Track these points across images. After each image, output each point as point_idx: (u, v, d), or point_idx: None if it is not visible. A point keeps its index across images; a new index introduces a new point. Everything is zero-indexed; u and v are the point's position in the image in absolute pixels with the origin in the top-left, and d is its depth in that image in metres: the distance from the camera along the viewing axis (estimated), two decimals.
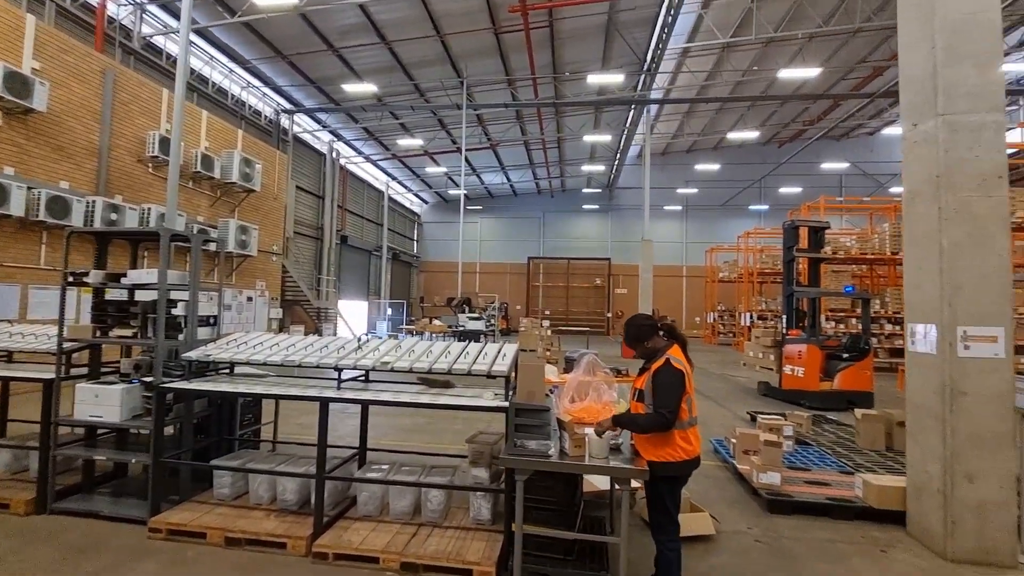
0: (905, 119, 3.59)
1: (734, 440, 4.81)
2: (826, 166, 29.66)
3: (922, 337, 3.39)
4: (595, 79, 16.46)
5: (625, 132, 25.02)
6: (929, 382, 3.32)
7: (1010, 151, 15.48)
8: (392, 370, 3.48)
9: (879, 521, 3.69)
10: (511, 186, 33.43)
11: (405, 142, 22.71)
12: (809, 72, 17.05)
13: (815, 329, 9.14)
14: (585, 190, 33.71)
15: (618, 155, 28.16)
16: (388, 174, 29.20)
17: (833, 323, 15.14)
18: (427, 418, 6.96)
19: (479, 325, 16.92)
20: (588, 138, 22.31)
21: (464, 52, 16.69)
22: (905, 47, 3.63)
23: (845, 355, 8.35)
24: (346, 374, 3.71)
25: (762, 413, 6.64)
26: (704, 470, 4.99)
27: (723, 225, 31.79)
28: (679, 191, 32.15)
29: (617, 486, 2.56)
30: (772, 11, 16.97)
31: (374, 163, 27.15)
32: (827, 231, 9.85)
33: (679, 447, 2.45)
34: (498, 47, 16.44)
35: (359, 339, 4.02)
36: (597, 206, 33.97)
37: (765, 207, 31.21)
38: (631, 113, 22.71)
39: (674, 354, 2.51)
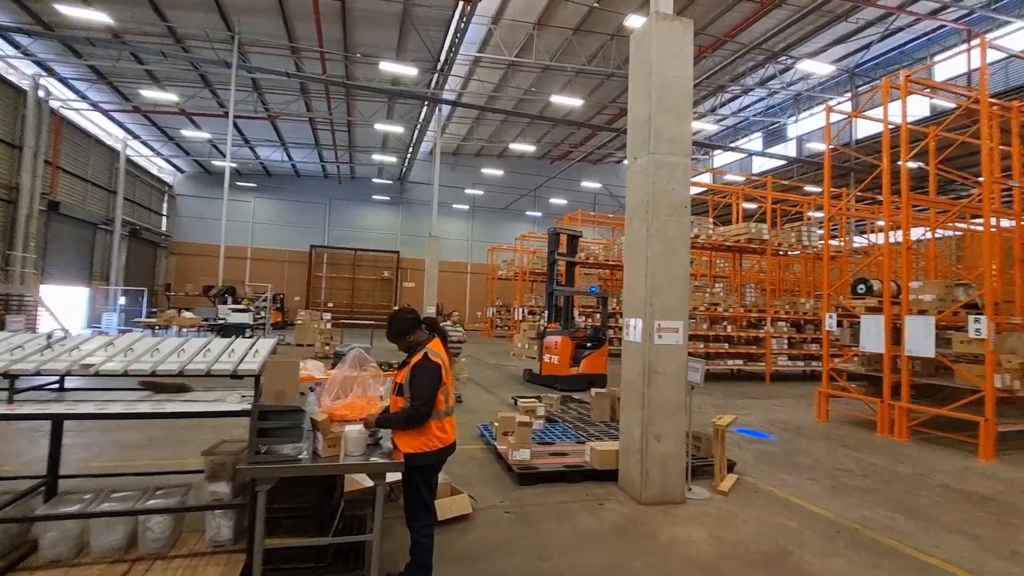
0: (629, 153, 4.44)
1: (496, 423, 5.28)
2: (584, 184, 34.76)
3: (633, 329, 4.25)
4: (389, 67, 16.10)
5: (418, 127, 25.12)
6: (636, 364, 4.18)
7: (699, 189, 20.42)
8: (98, 374, 2.79)
9: (601, 480, 4.49)
10: (293, 166, 30.46)
11: (153, 95, 18.61)
12: (574, 101, 19.66)
13: (569, 322, 10.66)
14: (376, 180, 32.79)
15: (411, 148, 28.13)
16: (128, 131, 23.53)
17: (584, 317, 17.89)
18: (164, 430, 5.82)
19: (244, 318, 14.95)
20: (380, 127, 21.74)
21: (238, 3, 14.49)
22: (632, 97, 4.49)
23: (588, 344, 9.96)
24: (31, 381, 2.84)
25: (523, 397, 7.44)
26: (470, 453, 5.34)
27: (505, 227, 34.62)
28: (467, 191, 33.76)
29: (372, 482, 2.54)
30: (549, 41, 19.11)
31: (107, 114, 21.57)
32: (581, 239, 11.56)
33: (435, 436, 2.56)
34: (281, 9, 14.75)
35: (49, 336, 3.12)
36: (388, 197, 33.37)
37: (539, 214, 34.94)
38: (424, 109, 22.91)
39: (433, 347, 2.61)
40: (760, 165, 28.99)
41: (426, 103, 21.45)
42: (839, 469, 5.32)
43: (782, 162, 25.54)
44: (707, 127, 26.58)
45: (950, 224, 11.63)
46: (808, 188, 23.47)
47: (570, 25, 18.24)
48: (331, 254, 32.17)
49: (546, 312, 10.79)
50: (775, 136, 32.32)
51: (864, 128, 23.86)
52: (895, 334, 7.05)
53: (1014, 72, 19.04)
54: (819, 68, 17.87)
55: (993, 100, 8.39)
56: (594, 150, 35.24)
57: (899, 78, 7.08)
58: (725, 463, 4.67)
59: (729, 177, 27.97)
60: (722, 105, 29.02)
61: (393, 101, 22.60)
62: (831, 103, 8.24)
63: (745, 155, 32.24)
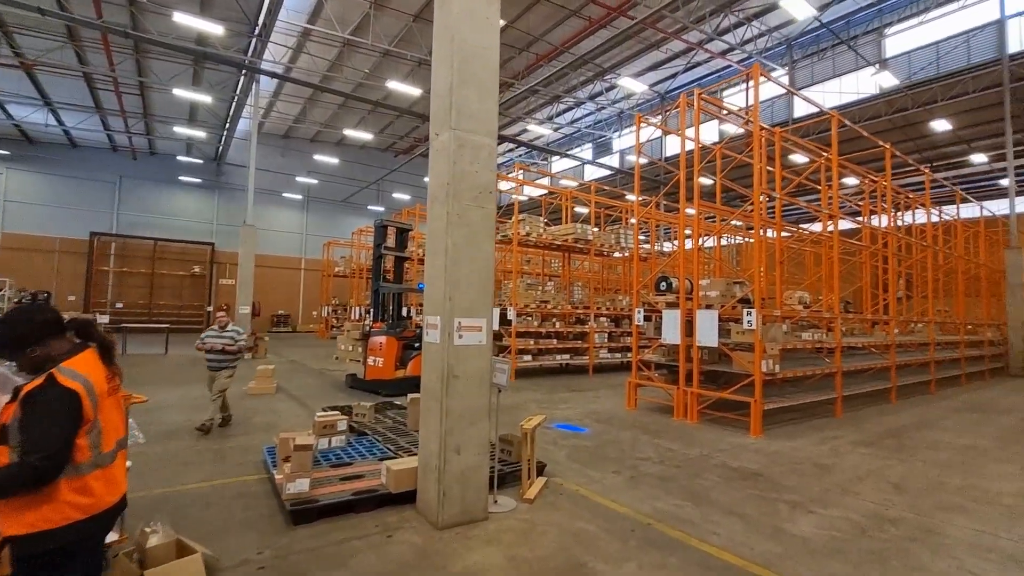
0: (432, 128, 3.93)
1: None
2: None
3: (433, 328, 3.74)
4: (185, 21, 13.48)
5: (236, 100, 21.94)
6: (435, 369, 3.68)
7: (540, 191, 21.04)
8: None
9: (399, 504, 3.91)
10: (67, 132, 24.40)
11: None
12: (413, 90, 18.88)
13: (399, 322, 9.93)
14: (183, 158, 27.98)
15: (227, 124, 24.53)
16: None
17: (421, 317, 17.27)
18: None
19: None
20: (181, 93, 18.35)
21: None
22: (435, 65, 3.99)
23: (417, 344, 9.35)
24: None
25: (334, 407, 6.53)
26: (243, 487, 4.33)
27: (343, 221, 32.27)
28: (300, 179, 30.72)
29: None
30: (389, 25, 18.02)
31: None
32: (411, 233, 10.88)
33: (68, 504, 1.65)
34: None
35: None
36: (200, 180, 28.71)
37: (382, 208, 33.31)
38: (241, 79, 20.03)
39: (73, 365, 1.71)
40: (591, 173, 31.47)
41: (243, 72, 18.72)
42: (640, 458, 5.51)
43: (609, 172, 27.91)
44: (544, 131, 27.88)
45: (733, 231, 13.66)
46: (629, 196, 26.02)
47: (410, 11, 17.42)
48: (122, 244, 26.54)
49: (372, 311, 9.90)
50: (603, 148, 35.32)
51: (672, 146, 27.22)
52: (689, 326, 7.76)
53: (784, 107, 23.29)
54: (635, 86, 19.67)
55: (764, 126, 9.82)
56: None
57: (693, 95, 7.82)
58: (534, 467, 4.44)
59: (564, 182, 29.72)
60: (558, 114, 30.80)
61: (200, 65, 19.28)
62: (641, 114, 8.88)
63: (578, 163, 34.66)
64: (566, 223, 14.38)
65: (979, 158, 21.69)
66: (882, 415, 8.62)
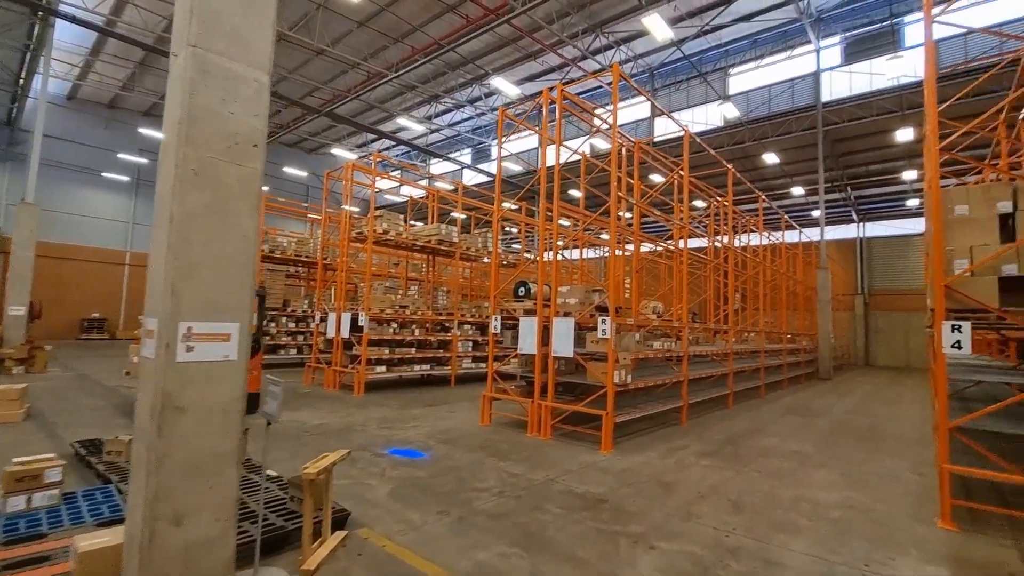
0: (172, 49, 2.74)
1: None
2: (292, 171, 31.08)
3: (151, 336, 2.53)
4: None
5: (30, 52, 17.66)
6: (146, 397, 2.48)
7: (421, 192, 19.79)
8: None
9: None
10: None
11: None
12: None
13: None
14: None
15: (21, 81, 19.74)
16: None
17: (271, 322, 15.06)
18: None
19: None
20: None
21: None
22: None
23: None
24: None
25: (85, 442, 4.83)
26: None
27: None
28: (127, 157, 25.92)
29: None
30: None
31: None
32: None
33: None
34: None
35: None
36: None
37: None
38: (37, 26, 16.10)
39: None
40: (471, 178, 30.94)
41: (37, 14, 14.96)
42: (478, 489, 4.72)
43: (487, 178, 27.59)
44: (416, 127, 26.74)
45: (601, 243, 13.87)
46: (507, 205, 25.89)
47: None
48: None
49: None
50: (482, 154, 35.13)
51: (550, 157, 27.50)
52: (547, 335, 7.26)
53: (646, 130, 24.79)
54: (507, 87, 19.50)
55: (623, 133, 9.85)
56: (308, 137, 31.89)
57: (556, 91, 7.41)
58: (327, 522, 3.38)
59: (439, 184, 28.81)
60: (437, 115, 29.91)
61: None
62: (511, 113, 8.35)
63: (457, 167, 34.04)
64: (431, 223, 13.45)
65: (799, 190, 25.11)
66: (722, 420, 8.94)
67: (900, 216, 27.54)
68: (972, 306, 4.27)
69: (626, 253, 13.34)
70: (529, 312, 7.67)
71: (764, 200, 15.95)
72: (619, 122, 24.95)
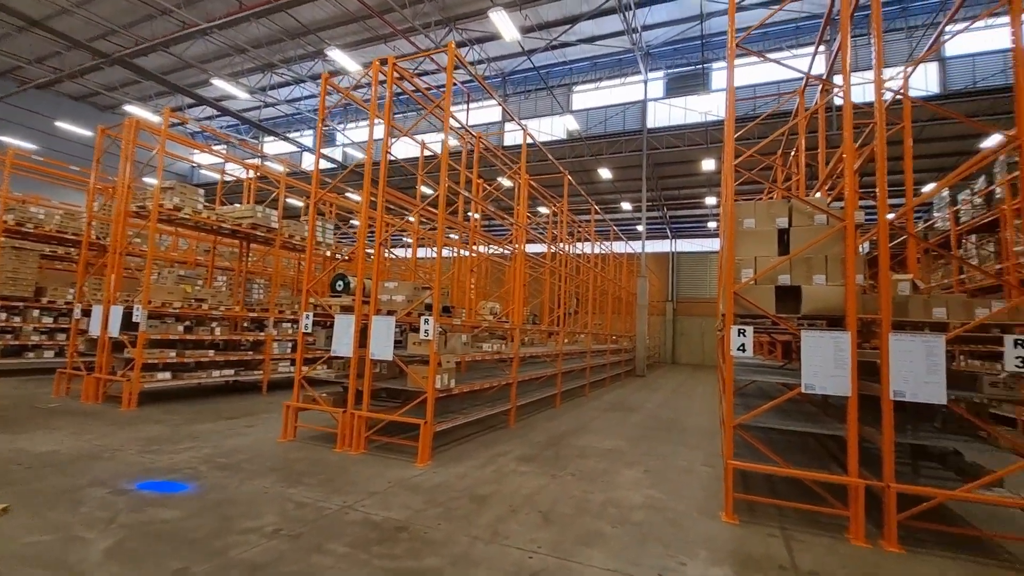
0: None
1: None
2: (70, 128, 25.09)
3: None
4: None
5: None
6: None
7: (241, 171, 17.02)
8: None
9: None
10: None
11: None
12: None
13: None
14: None
15: None
16: None
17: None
18: None
19: None
20: None
21: None
22: None
23: None
24: None
25: None
26: None
27: None
28: None
29: None
30: None
31: None
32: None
33: None
34: None
35: None
36: None
37: None
38: None
39: None
40: (312, 164, 28.09)
41: None
42: (245, 530, 3.77)
43: (331, 165, 25.31)
44: (240, 94, 23.47)
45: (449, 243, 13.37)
46: (351, 195, 24.05)
47: None
48: None
49: None
50: (326, 138, 32.40)
51: (403, 149, 26.38)
52: (365, 335, 6.45)
53: (496, 139, 24.95)
54: (346, 61, 18.07)
55: (457, 119, 9.48)
56: (102, 91, 26.09)
57: (388, 64, 6.66)
58: None
59: (272, 165, 25.71)
60: (272, 87, 26.67)
61: None
62: (332, 79, 7.30)
63: (296, 150, 30.83)
64: (246, 204, 11.55)
65: (627, 206, 27.73)
66: (548, 421, 9.04)
67: (703, 236, 32.20)
68: (755, 312, 4.64)
69: (472, 254, 13.06)
70: (347, 309, 6.77)
71: (597, 211, 17.04)
72: (471, 123, 24.89)
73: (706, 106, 21.44)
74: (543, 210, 25.43)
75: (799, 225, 4.62)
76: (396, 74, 6.79)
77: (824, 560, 3.67)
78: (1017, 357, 3.76)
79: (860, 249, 5.36)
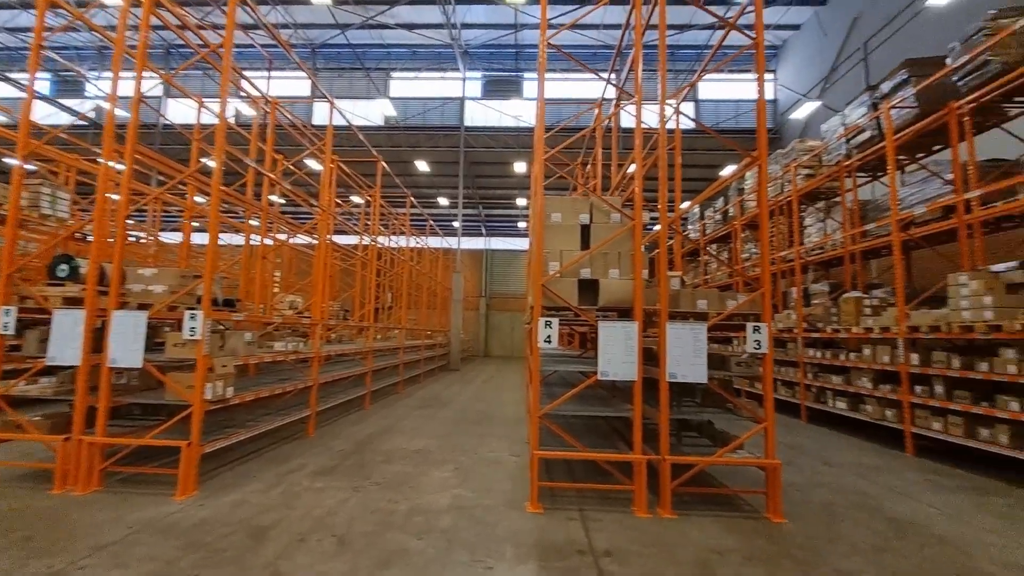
0: None
1: None
2: None
3: None
4: None
5: None
6: None
7: None
8: None
9: None
10: None
11: None
12: None
13: None
14: None
15: None
16: None
17: None
18: None
19: None
20: None
21: None
22: None
23: None
24: None
25: None
26: None
27: None
28: None
29: None
30: None
31: None
32: None
33: None
34: None
35: None
36: None
37: None
38: None
39: None
40: (50, 115, 21.49)
41: None
42: None
43: (83, 122, 19.80)
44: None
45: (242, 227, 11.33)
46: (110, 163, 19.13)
47: None
48: None
49: None
50: (71, 87, 25.67)
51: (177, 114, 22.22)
52: (100, 337, 4.93)
53: (305, 112, 22.52)
54: None
55: (247, 78, 8.18)
56: None
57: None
58: None
59: None
60: None
61: None
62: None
63: (19, 95, 23.60)
64: None
65: (444, 201, 27.79)
66: (355, 424, 8.32)
67: (515, 235, 34.17)
68: (560, 304, 4.79)
69: (271, 241, 11.33)
70: (74, 302, 5.10)
71: (414, 204, 16.56)
72: (277, 96, 21.98)
73: (519, 110, 22.65)
74: (360, 200, 23.90)
75: (598, 222, 4.92)
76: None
77: (616, 536, 3.91)
78: (755, 340, 4.54)
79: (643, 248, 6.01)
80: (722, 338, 12.28)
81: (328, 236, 9.49)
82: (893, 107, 7.87)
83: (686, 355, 4.56)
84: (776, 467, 4.46)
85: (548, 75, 23.04)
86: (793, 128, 20.41)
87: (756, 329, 4.59)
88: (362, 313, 12.72)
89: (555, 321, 4.64)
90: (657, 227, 5.66)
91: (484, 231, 34.33)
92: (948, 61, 7.23)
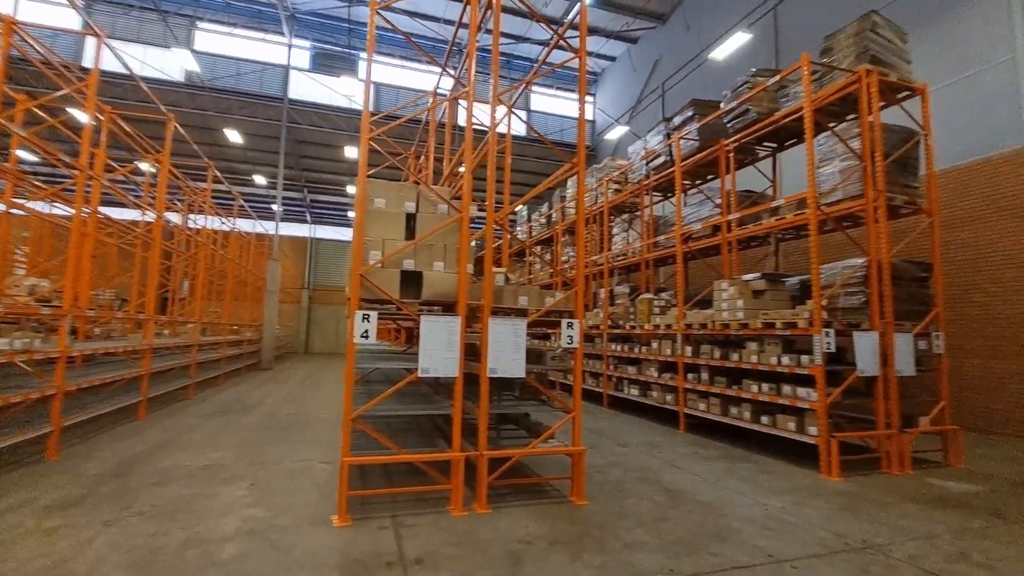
0: None
1: None
2: None
3: None
4: None
5: None
6: None
7: None
8: None
9: None
10: None
11: None
12: None
13: None
14: None
15: None
16: None
17: None
18: None
19: None
20: None
21: None
22: None
23: None
24: None
25: None
26: None
27: None
28: None
29: None
30: None
31: None
32: None
33: None
34: None
35: None
36: None
37: None
38: None
39: None
40: None
41: None
42: None
43: None
44: None
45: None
46: None
47: None
48: None
49: None
50: None
51: None
52: None
53: (72, 46, 17.78)
54: None
55: None
56: None
57: None
58: None
59: None
60: None
61: None
62: None
63: None
64: None
65: (261, 180, 24.71)
66: (122, 440, 6.76)
67: (344, 225, 32.07)
68: (381, 297, 4.47)
69: (11, 209, 8.49)
70: None
71: (219, 178, 14.33)
72: (28, 19, 16.78)
73: (352, 90, 21.24)
74: (149, 168, 19.79)
75: (425, 212, 4.71)
76: None
77: (429, 541, 3.76)
78: (568, 335, 4.82)
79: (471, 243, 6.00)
80: (540, 334, 13.13)
81: (92, 206, 7.59)
82: (682, 138, 9.25)
83: (506, 350, 4.63)
84: (581, 453, 4.80)
85: (387, 60, 22.07)
86: (607, 147, 22.93)
87: (570, 325, 4.88)
88: (141, 302, 10.49)
89: (373, 315, 4.30)
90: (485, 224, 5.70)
91: (310, 218, 31.56)
92: (722, 105, 8.75)
